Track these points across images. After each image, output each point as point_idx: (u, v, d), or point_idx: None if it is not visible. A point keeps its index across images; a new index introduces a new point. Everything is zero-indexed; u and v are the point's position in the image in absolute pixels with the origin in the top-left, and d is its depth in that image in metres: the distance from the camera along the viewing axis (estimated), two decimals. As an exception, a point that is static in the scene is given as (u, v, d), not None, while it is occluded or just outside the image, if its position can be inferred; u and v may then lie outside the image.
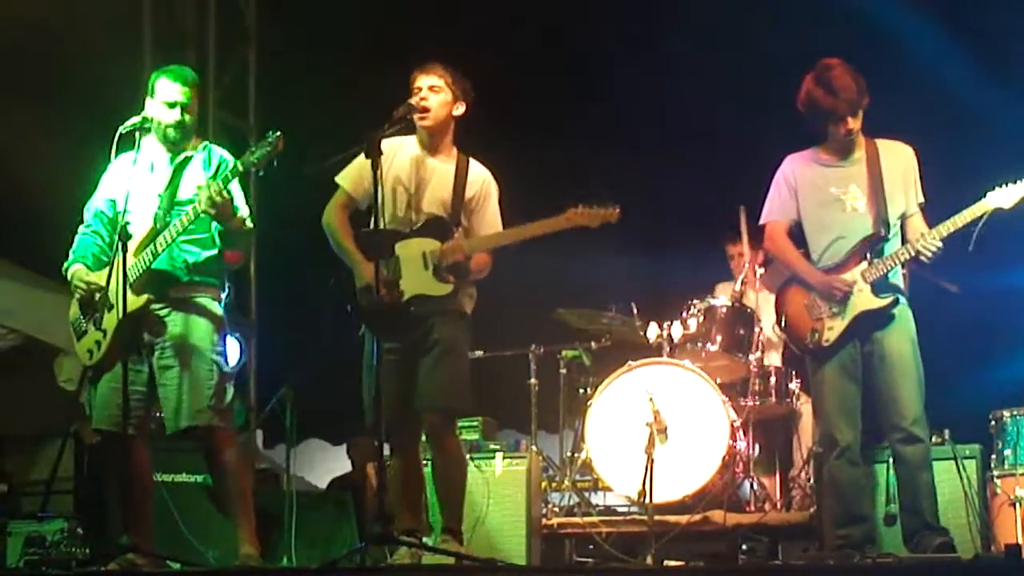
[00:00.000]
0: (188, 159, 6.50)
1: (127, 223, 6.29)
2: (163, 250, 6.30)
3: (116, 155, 6.41)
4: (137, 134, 6.40)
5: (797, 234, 6.95)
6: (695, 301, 8.59)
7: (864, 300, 6.68)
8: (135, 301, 6.31)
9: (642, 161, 9.87)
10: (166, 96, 6.47)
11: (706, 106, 9.64)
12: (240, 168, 6.26)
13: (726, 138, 9.73)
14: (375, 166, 6.17)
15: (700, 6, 9.58)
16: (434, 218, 6.51)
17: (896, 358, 6.63)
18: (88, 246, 6.57)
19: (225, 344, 6.51)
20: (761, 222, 7.01)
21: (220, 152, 6.57)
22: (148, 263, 6.32)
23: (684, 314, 8.53)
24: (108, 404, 6.28)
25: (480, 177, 6.63)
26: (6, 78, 9.12)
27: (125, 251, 6.23)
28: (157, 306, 6.39)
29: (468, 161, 6.64)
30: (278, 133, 6.16)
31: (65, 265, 6.58)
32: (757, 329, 8.51)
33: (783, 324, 6.99)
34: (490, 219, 6.61)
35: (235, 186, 6.43)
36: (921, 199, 6.80)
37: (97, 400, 6.40)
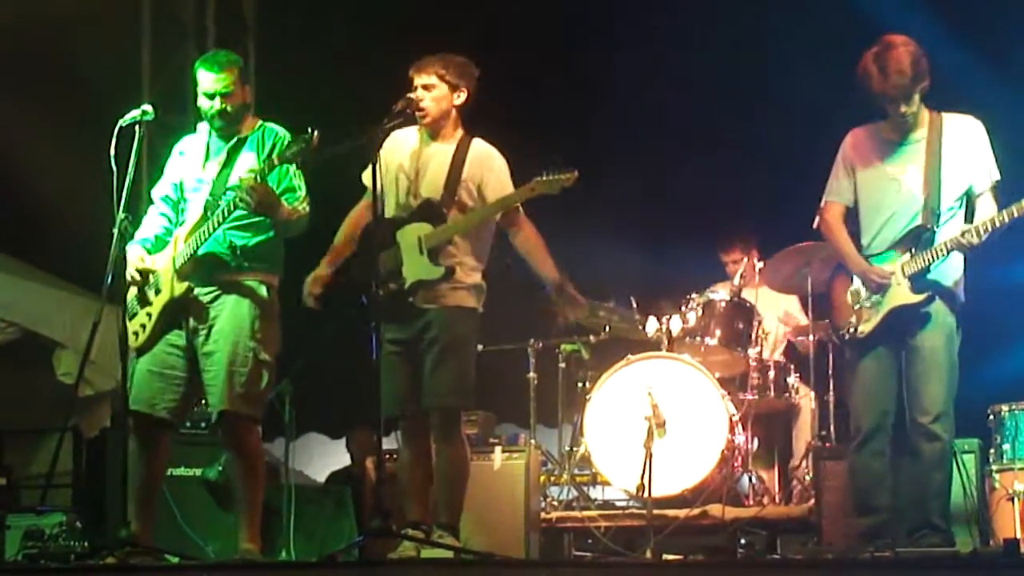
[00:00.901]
0: (242, 142, 6.45)
1: (125, 217, 6.27)
2: (207, 238, 6.28)
3: (116, 148, 6.37)
4: (137, 127, 6.38)
5: (853, 217, 6.76)
6: (694, 295, 8.60)
7: (900, 295, 6.51)
8: (178, 288, 6.32)
9: (643, 156, 9.88)
10: (204, 86, 6.41)
11: (707, 102, 9.65)
12: (275, 163, 6.21)
13: (726, 134, 9.73)
14: (374, 160, 6.17)
15: (702, 5, 9.59)
16: (426, 202, 6.51)
17: (928, 354, 6.48)
18: (153, 229, 6.54)
19: (269, 330, 6.42)
20: (822, 203, 6.84)
21: (276, 130, 6.46)
22: (194, 249, 6.31)
23: (683, 308, 8.54)
24: (144, 387, 6.27)
25: (480, 153, 6.58)
26: (2, 72, 9.12)
27: (123, 243, 6.23)
28: (204, 290, 6.36)
29: (470, 140, 6.60)
30: (315, 132, 6.08)
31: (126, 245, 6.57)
32: (756, 323, 8.53)
33: (828, 311, 6.86)
34: (495, 191, 6.55)
35: (292, 170, 6.38)
36: (996, 176, 6.53)
37: (135, 382, 6.36)
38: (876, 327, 6.58)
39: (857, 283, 6.66)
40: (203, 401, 6.61)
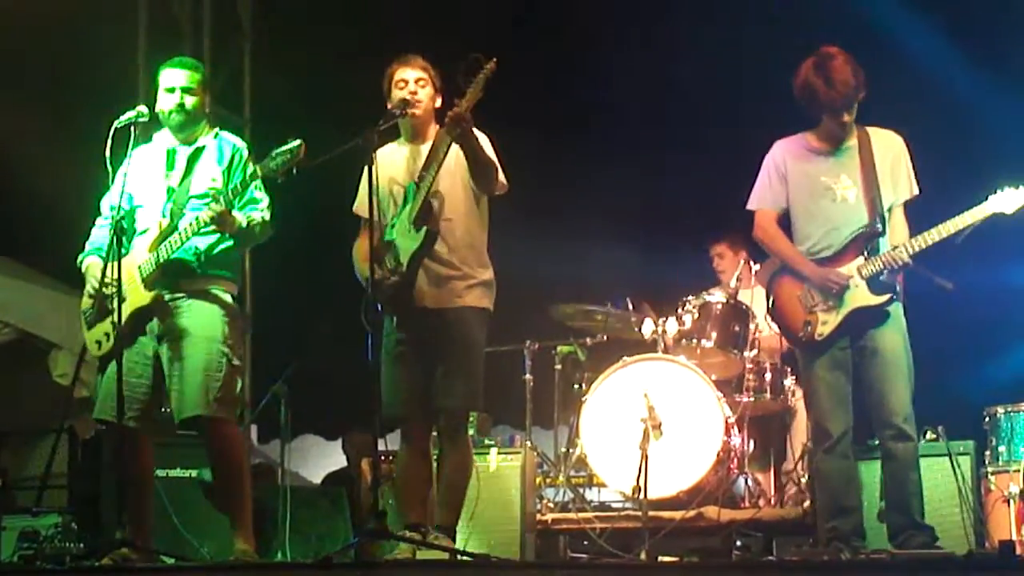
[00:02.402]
0: (200, 150, 6.48)
1: (122, 216, 6.28)
2: (177, 248, 6.29)
3: (111, 149, 6.38)
4: (132, 128, 6.39)
5: (785, 223, 6.84)
6: (690, 297, 8.60)
7: (860, 296, 6.59)
8: (144, 297, 6.32)
9: (639, 159, 9.89)
10: (167, 82, 6.48)
11: (706, 103, 9.66)
12: (259, 174, 6.22)
13: (722, 136, 9.74)
14: (370, 162, 6.16)
15: (696, 7, 9.60)
16: (404, 189, 6.52)
17: (889, 355, 6.56)
18: (104, 239, 6.54)
19: (237, 336, 6.45)
20: (749, 207, 6.90)
21: (232, 140, 6.53)
22: (162, 260, 6.32)
23: (679, 310, 8.54)
24: (113, 395, 6.27)
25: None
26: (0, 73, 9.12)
27: (120, 243, 6.22)
28: (171, 297, 6.36)
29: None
30: (299, 142, 6.11)
31: (80, 257, 6.56)
32: (752, 325, 8.53)
33: (774, 314, 6.91)
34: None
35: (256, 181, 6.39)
36: (916, 191, 6.68)
37: (102, 391, 6.38)
38: (835, 329, 6.63)
39: (806, 286, 6.69)
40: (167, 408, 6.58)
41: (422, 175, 6.44)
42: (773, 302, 6.89)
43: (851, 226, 6.65)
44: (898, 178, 6.69)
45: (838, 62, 6.57)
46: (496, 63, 6.29)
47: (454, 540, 6.44)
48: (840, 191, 6.68)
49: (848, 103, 6.59)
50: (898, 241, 6.60)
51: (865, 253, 6.61)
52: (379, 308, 6.35)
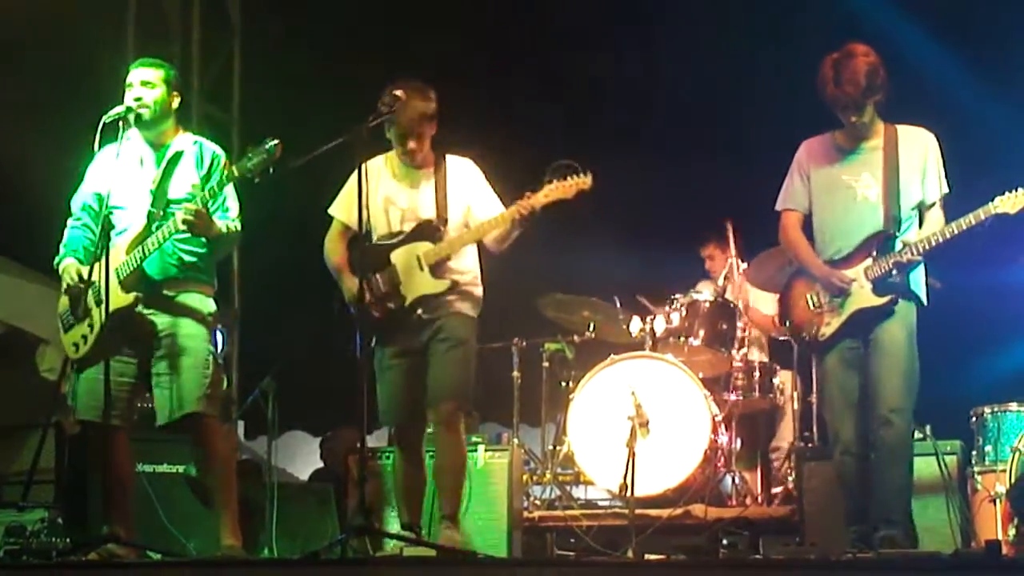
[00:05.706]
0: (179, 155, 6.47)
1: (110, 214, 6.28)
2: (153, 251, 6.29)
3: (100, 145, 6.39)
4: (121, 124, 6.38)
5: (808, 221, 6.77)
6: (678, 295, 8.61)
7: (863, 297, 6.52)
8: (123, 298, 6.31)
9: (629, 157, 9.89)
10: (130, 79, 6.50)
11: (697, 103, 9.66)
12: (236, 174, 6.21)
13: (713, 136, 9.75)
14: (359, 160, 6.19)
15: (695, 7, 9.61)
16: (421, 223, 6.63)
17: (888, 347, 6.46)
18: (79, 240, 6.54)
19: (216, 337, 6.54)
20: (776, 208, 6.84)
21: (212, 148, 6.52)
22: (138, 262, 6.30)
23: (667, 308, 8.55)
24: (94, 395, 6.26)
25: (458, 169, 6.73)
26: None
27: (108, 242, 6.21)
28: (155, 300, 6.37)
29: (444, 158, 6.74)
30: (276, 141, 6.10)
31: (57, 259, 6.54)
32: (740, 324, 8.54)
33: (784, 314, 6.85)
34: (484, 200, 6.70)
35: (228, 187, 6.40)
36: (945, 189, 6.57)
37: (82, 391, 6.38)
38: (838, 329, 6.59)
39: (817, 287, 6.66)
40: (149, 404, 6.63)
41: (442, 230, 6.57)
42: (786, 303, 6.85)
43: (869, 226, 6.56)
44: (927, 176, 6.58)
45: (855, 61, 6.45)
46: (592, 180, 6.43)
47: (458, 529, 6.55)
48: (861, 190, 6.59)
49: (855, 103, 6.48)
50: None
51: (874, 254, 6.54)
52: (349, 310, 6.54)
